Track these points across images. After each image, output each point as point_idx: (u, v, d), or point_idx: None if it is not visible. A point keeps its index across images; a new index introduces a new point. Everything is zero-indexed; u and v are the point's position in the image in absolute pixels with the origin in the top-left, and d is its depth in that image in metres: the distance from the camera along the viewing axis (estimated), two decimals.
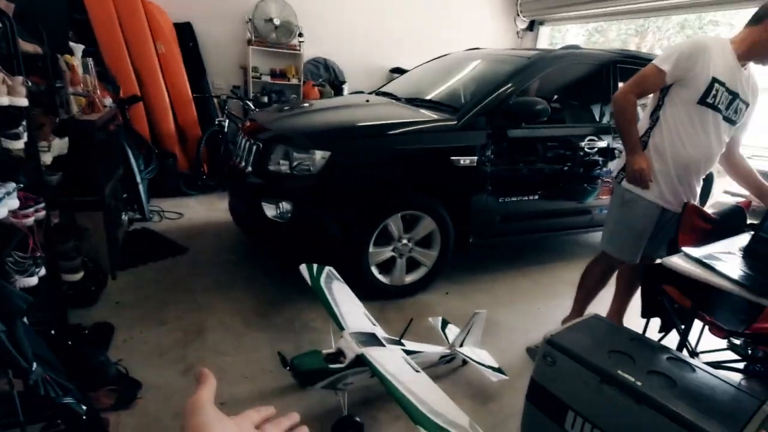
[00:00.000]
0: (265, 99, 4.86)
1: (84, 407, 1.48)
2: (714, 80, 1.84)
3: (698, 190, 2.08)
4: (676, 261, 1.66)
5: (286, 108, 3.14)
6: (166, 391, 1.80)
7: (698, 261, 1.64)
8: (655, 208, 2.06)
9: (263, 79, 5.03)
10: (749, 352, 2.22)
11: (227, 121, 4.38)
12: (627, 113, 1.95)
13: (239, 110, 4.78)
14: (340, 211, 2.41)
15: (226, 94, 4.68)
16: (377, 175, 2.44)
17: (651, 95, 2.03)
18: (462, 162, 2.56)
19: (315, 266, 2.08)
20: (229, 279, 2.74)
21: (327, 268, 2.11)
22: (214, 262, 2.96)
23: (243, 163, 2.65)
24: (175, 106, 4.27)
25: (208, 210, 4.01)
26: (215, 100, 4.65)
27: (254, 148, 2.56)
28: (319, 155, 2.33)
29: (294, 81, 5.11)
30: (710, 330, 2.05)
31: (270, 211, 2.41)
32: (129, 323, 2.21)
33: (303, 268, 2.04)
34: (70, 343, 1.83)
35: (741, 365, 2.26)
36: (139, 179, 3.45)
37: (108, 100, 2.97)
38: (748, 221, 2.21)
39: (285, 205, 2.38)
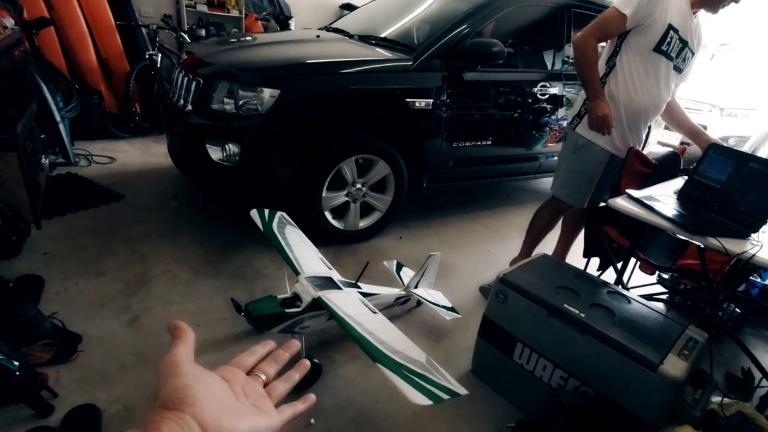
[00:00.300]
0: (203, 32, 4.46)
1: (16, 363, 1.38)
2: (670, 27, 1.88)
3: (644, 137, 2.17)
4: (620, 202, 1.75)
5: (228, 41, 2.89)
6: (110, 343, 1.73)
7: (639, 202, 1.74)
8: (605, 154, 2.14)
9: (199, 8, 4.59)
10: (675, 285, 2.45)
11: (159, 55, 3.98)
12: (588, 57, 1.95)
13: (173, 44, 4.35)
14: (291, 155, 2.32)
15: (156, 24, 4.22)
16: (330, 117, 2.35)
17: (607, 42, 2.05)
18: (417, 105, 2.51)
19: (266, 211, 1.99)
20: (172, 227, 2.62)
21: (279, 213, 2.04)
22: (154, 209, 2.80)
23: (182, 102, 2.45)
24: (95, 34, 3.82)
25: (143, 154, 3.74)
26: (143, 31, 4.19)
27: (194, 84, 2.36)
28: (268, 93, 2.19)
29: (234, 13, 4.70)
30: (640, 267, 2.24)
31: (215, 153, 2.27)
32: (61, 275, 2.07)
33: (254, 213, 1.95)
34: None
35: (666, 298, 2.50)
36: (58, 118, 3.11)
37: (9, 21, 2.59)
38: (682, 166, 2.36)
39: (231, 148, 2.25)
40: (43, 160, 2.85)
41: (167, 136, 2.95)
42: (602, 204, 2.34)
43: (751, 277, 2.32)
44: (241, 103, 2.21)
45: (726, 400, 1.47)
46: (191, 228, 2.62)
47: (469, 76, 2.65)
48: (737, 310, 2.36)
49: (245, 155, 2.24)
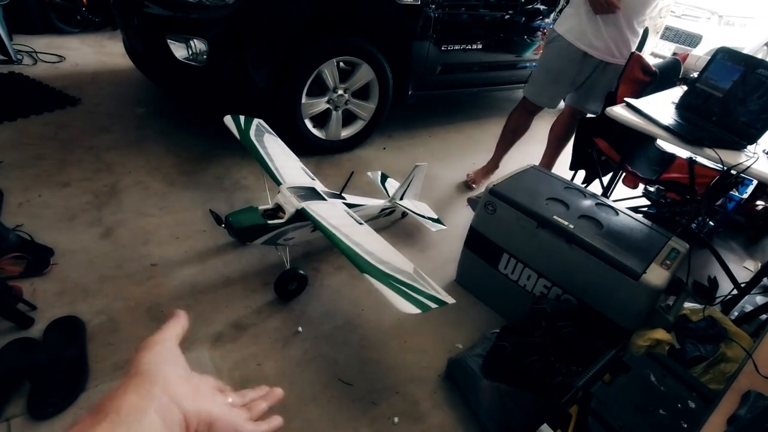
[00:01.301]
0: None
1: None
2: None
3: (633, 41, 2.04)
4: (618, 111, 1.71)
5: None
6: (85, 255, 1.68)
7: (638, 110, 1.69)
8: (574, 50, 2.06)
9: None
10: (660, 198, 2.50)
11: None
12: None
13: None
14: (266, 54, 2.14)
15: None
16: (308, 12, 2.14)
17: None
18: (404, 0, 2.30)
19: (242, 118, 1.91)
20: (140, 135, 2.46)
21: (256, 121, 1.96)
22: (117, 115, 2.61)
23: None
24: None
25: (97, 52, 3.41)
26: None
27: None
28: None
29: None
30: (624, 181, 2.26)
31: (179, 51, 2.07)
32: (21, 185, 1.95)
33: (228, 120, 1.86)
34: None
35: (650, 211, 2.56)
36: None
37: None
38: (681, 75, 2.29)
39: (198, 44, 2.04)
40: None
41: (122, 30, 2.68)
42: (590, 114, 2.29)
43: (729, 192, 2.38)
44: None
45: (697, 306, 1.57)
46: (161, 137, 2.47)
47: None
48: (711, 222, 2.45)
49: (214, 54, 2.06)
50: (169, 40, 2.05)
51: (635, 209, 2.31)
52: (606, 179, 2.16)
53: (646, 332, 1.39)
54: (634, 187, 2.35)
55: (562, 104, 2.54)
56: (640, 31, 2.04)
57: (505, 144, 2.50)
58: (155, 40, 2.09)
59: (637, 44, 2.07)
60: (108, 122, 2.52)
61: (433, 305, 1.23)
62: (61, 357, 1.30)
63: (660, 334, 1.37)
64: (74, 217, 1.84)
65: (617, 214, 1.63)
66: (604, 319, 1.44)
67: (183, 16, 2.04)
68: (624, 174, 2.17)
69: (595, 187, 2.14)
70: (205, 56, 2.06)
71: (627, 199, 2.43)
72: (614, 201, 2.15)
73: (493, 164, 2.63)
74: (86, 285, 1.57)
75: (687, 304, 1.57)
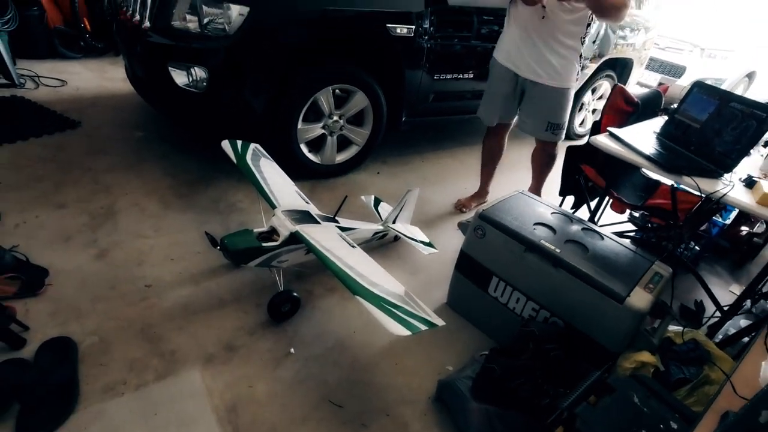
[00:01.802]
0: None
1: None
2: None
3: (560, 64, 2.05)
4: (601, 140, 1.77)
5: None
6: (79, 276, 1.69)
7: (620, 140, 1.76)
8: (504, 69, 2.19)
9: None
10: (645, 223, 2.56)
11: None
12: None
13: None
14: (263, 82, 2.21)
15: None
16: (305, 41, 2.21)
17: None
18: (398, 31, 2.38)
19: (239, 143, 1.95)
20: (137, 157, 2.51)
21: (253, 145, 1.99)
22: (116, 138, 2.66)
23: (137, 18, 2.24)
24: None
25: (98, 77, 3.48)
26: None
27: None
28: (236, 11, 2.02)
29: None
30: (612, 206, 2.31)
31: (180, 78, 2.13)
32: (18, 207, 1.97)
33: (225, 144, 1.90)
34: None
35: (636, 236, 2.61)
36: None
37: None
38: (662, 106, 2.38)
39: (198, 72, 2.10)
40: None
41: (124, 57, 2.74)
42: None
43: (713, 217, 2.44)
44: (206, 21, 2.05)
45: (681, 328, 1.59)
46: (159, 159, 2.51)
47: (454, 1, 2.51)
48: (696, 247, 2.50)
49: (214, 81, 2.11)
50: (170, 68, 2.11)
51: (622, 234, 2.37)
52: (594, 204, 2.20)
53: (632, 355, 1.41)
54: (622, 212, 2.40)
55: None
56: (571, 55, 2.04)
57: (486, 168, 2.60)
58: (157, 67, 2.15)
59: (571, 69, 2.08)
60: (107, 145, 2.56)
61: (424, 327, 1.24)
62: (52, 378, 1.30)
63: (645, 356, 1.39)
64: (70, 238, 1.86)
65: (603, 238, 1.66)
66: (590, 341, 1.46)
67: (185, 46, 2.10)
68: (611, 200, 2.21)
69: (584, 213, 2.19)
70: (204, 83, 2.11)
71: (614, 224, 2.48)
72: (601, 226, 2.19)
73: (482, 190, 2.68)
74: (79, 305, 1.57)
75: (671, 327, 1.60)
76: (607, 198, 2.17)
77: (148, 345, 1.47)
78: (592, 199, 2.22)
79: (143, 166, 2.44)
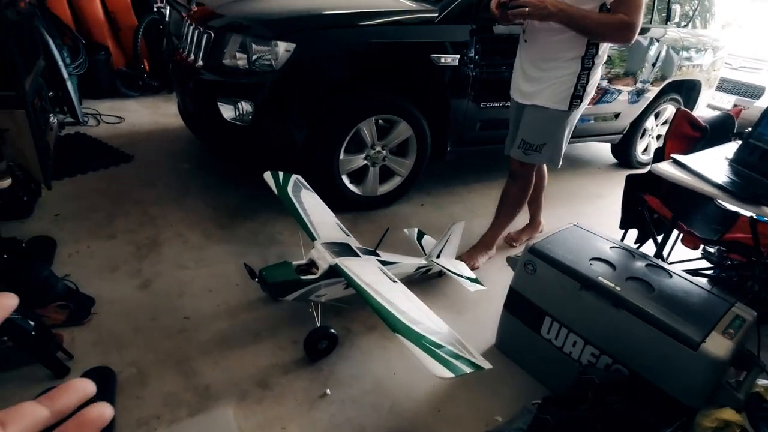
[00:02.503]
0: None
1: (32, 323, 1.42)
2: None
3: (541, 84, 1.93)
4: (664, 168, 1.68)
5: None
6: (122, 305, 1.76)
7: (686, 167, 1.67)
8: (512, 99, 2.15)
9: None
10: (721, 260, 2.36)
11: (168, 7, 3.92)
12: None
13: None
14: (306, 114, 2.29)
15: None
16: (349, 73, 2.29)
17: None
18: (443, 61, 2.42)
19: (281, 174, 2.00)
20: (183, 189, 2.63)
21: (294, 176, 2.04)
22: (164, 170, 2.82)
23: (192, 57, 2.41)
24: None
25: (153, 113, 3.75)
26: None
27: (204, 38, 2.32)
28: (283, 47, 2.13)
29: None
30: (683, 241, 2.16)
31: (227, 112, 2.24)
32: (73, 237, 2.11)
33: (267, 176, 1.96)
34: (5, 256, 1.72)
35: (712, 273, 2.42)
36: (66, 75, 3.12)
37: None
38: (736, 130, 2.24)
39: (244, 106, 2.22)
40: (52, 119, 2.88)
41: (177, 94, 2.94)
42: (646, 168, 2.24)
43: None
44: (254, 58, 2.17)
45: None
46: (202, 191, 2.63)
47: (500, 29, 2.53)
48: None
49: (258, 114, 2.21)
50: (219, 103, 2.23)
51: (696, 272, 2.20)
52: (661, 239, 2.07)
53: (713, 412, 1.28)
54: (695, 247, 2.23)
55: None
56: (562, 77, 1.90)
57: (530, 200, 2.45)
58: (207, 102, 2.28)
59: (561, 91, 1.91)
60: (156, 177, 2.72)
61: (469, 370, 1.20)
62: None
63: (728, 414, 1.26)
64: (117, 268, 1.96)
65: (671, 276, 1.56)
66: (660, 393, 1.34)
67: (234, 81, 2.23)
68: (681, 233, 2.08)
69: (650, 249, 2.07)
70: (250, 117, 2.22)
71: (686, 261, 2.31)
72: (670, 263, 2.09)
73: (533, 221, 2.59)
74: (121, 335, 1.63)
75: (760, 381, 1.44)
76: (676, 232, 2.05)
77: (184, 379, 1.50)
78: (658, 233, 2.10)
79: (188, 198, 2.55)
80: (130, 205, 2.42)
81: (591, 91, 1.96)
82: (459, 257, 2.22)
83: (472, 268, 2.19)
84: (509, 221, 2.35)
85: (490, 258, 2.35)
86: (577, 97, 1.92)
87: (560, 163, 2.14)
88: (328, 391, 1.52)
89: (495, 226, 2.35)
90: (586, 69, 1.88)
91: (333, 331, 1.64)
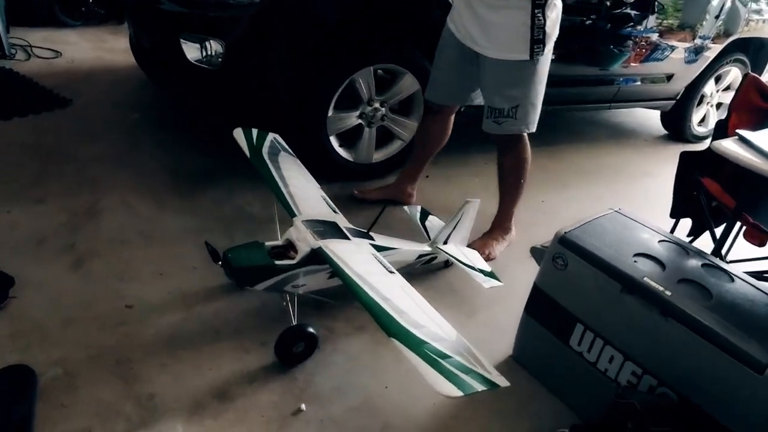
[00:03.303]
0: None
1: None
2: None
3: (494, 26, 1.91)
4: (727, 146, 1.68)
5: None
6: (50, 289, 1.73)
7: (754, 146, 1.66)
8: (450, 34, 2.08)
9: None
10: None
11: None
12: None
13: None
14: (290, 59, 2.26)
15: None
16: (343, 11, 2.25)
17: None
18: None
19: (255, 132, 1.98)
20: (132, 145, 2.60)
21: (271, 135, 2.02)
22: (110, 121, 2.78)
23: None
24: None
25: (97, 48, 3.70)
26: None
27: None
28: None
29: None
30: (746, 236, 2.16)
31: (192, 52, 2.23)
32: None
33: (238, 133, 1.94)
34: None
35: None
36: None
37: None
38: None
39: (213, 45, 2.18)
40: None
41: (129, 26, 2.91)
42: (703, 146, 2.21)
43: None
44: None
45: None
46: (156, 149, 2.59)
47: None
48: None
49: (230, 56, 2.19)
50: (182, 40, 2.20)
51: (761, 275, 2.19)
52: (720, 231, 2.05)
53: None
54: (761, 244, 2.22)
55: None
56: (515, 15, 1.88)
57: (415, 158, 2.50)
58: (167, 38, 2.27)
59: (518, 34, 1.91)
60: (99, 129, 2.69)
61: (482, 387, 1.18)
62: (4, 417, 1.28)
63: None
64: (44, 241, 1.93)
65: (732, 280, 1.54)
66: (715, 424, 1.32)
67: (201, 14, 2.20)
68: (744, 226, 2.06)
69: (705, 243, 2.06)
70: (219, 59, 2.20)
71: (750, 261, 2.30)
72: (730, 262, 2.07)
73: (403, 180, 2.54)
74: (46, 326, 1.60)
75: None
76: (738, 224, 2.04)
77: (122, 385, 1.47)
78: (717, 225, 2.07)
79: (137, 156, 2.51)
80: (65, 162, 2.37)
81: (553, 33, 1.98)
82: (471, 244, 2.21)
83: (487, 259, 2.17)
84: (517, 195, 2.33)
85: (509, 245, 2.33)
86: (537, 42, 1.92)
87: (535, 126, 2.14)
88: (303, 407, 1.49)
89: (504, 204, 2.34)
90: (539, 5, 1.88)
91: (312, 330, 1.62)
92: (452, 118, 2.39)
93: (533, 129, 2.12)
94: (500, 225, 2.34)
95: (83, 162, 2.38)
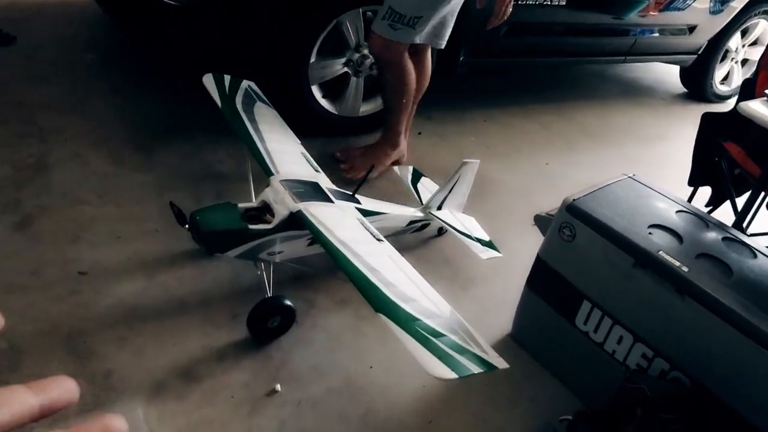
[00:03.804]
0: None
1: None
2: None
3: None
4: (754, 107, 1.74)
5: None
6: None
7: None
8: None
9: None
10: None
11: None
12: None
13: None
14: None
15: None
16: None
17: None
18: None
19: (227, 78, 1.95)
20: (85, 90, 2.55)
21: (245, 83, 2.00)
22: (61, 62, 2.71)
23: None
24: None
25: None
26: None
27: None
28: None
29: None
30: None
31: None
32: None
33: (208, 79, 1.91)
34: None
35: None
36: None
37: None
38: None
39: None
40: None
41: None
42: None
43: None
44: None
45: None
46: (114, 96, 2.56)
47: None
48: None
49: None
50: None
51: None
52: (742, 202, 2.07)
53: None
54: None
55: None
56: None
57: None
58: None
59: None
60: (48, 71, 2.61)
61: (478, 369, 1.18)
62: None
63: None
64: None
65: (755, 255, 1.55)
66: (733, 414, 1.33)
67: None
68: None
69: (726, 213, 2.08)
70: None
71: None
72: (752, 235, 2.09)
73: (384, 138, 2.46)
74: None
75: None
76: (762, 194, 2.03)
77: (75, 360, 1.45)
78: (739, 194, 2.10)
79: (92, 103, 2.47)
80: (9, 108, 2.33)
81: None
82: (348, 150, 2.29)
83: (370, 171, 2.11)
84: (404, 108, 2.34)
85: (400, 163, 2.35)
86: None
87: (444, 42, 2.16)
88: (279, 388, 1.49)
89: (390, 122, 2.37)
90: None
91: (289, 303, 1.61)
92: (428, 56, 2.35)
93: (440, 45, 2.20)
94: (389, 139, 2.37)
95: (30, 108, 2.34)
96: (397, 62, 2.14)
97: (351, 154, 2.40)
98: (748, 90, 2.14)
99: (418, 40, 2.08)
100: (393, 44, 2.05)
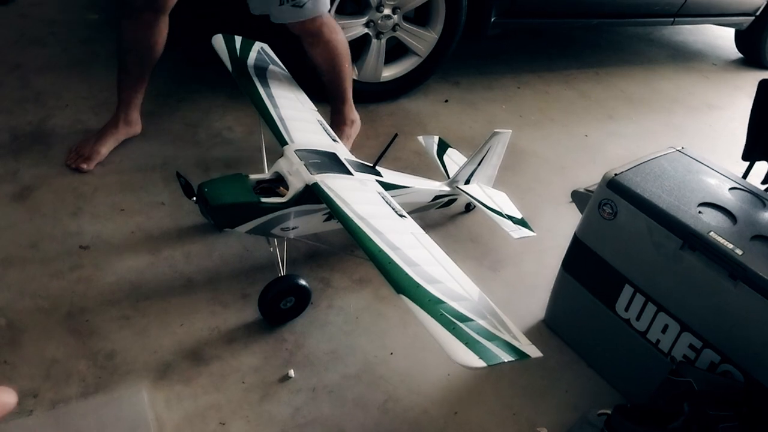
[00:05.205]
0: None
1: None
2: None
3: None
4: None
5: None
6: None
7: None
8: None
9: None
10: None
11: None
12: None
13: None
14: None
15: None
16: None
17: None
18: None
19: (238, 39, 1.97)
20: (87, 53, 2.57)
21: (258, 45, 2.01)
22: (61, 21, 2.74)
23: None
24: None
25: None
26: None
27: None
28: None
29: None
30: None
31: None
32: None
33: (218, 40, 1.93)
34: None
35: None
36: None
37: None
38: None
39: None
40: None
41: None
42: None
43: None
44: None
45: None
46: (116, 58, 2.48)
47: None
48: None
49: None
50: None
51: None
52: None
53: None
54: None
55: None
56: None
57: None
58: None
59: None
60: (46, 31, 2.69)
61: (509, 358, 1.16)
62: None
63: None
64: None
65: None
66: None
67: None
68: None
69: None
70: None
71: None
72: None
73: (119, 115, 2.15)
74: None
75: None
76: None
77: (75, 340, 1.46)
78: None
79: (93, 66, 2.47)
80: (6, 71, 2.35)
81: None
82: None
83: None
84: (348, 84, 2.27)
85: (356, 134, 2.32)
86: None
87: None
88: (292, 373, 1.50)
89: (336, 102, 2.29)
90: None
91: (304, 283, 1.61)
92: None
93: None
94: (342, 121, 2.29)
95: (28, 71, 2.36)
96: (319, 36, 2.04)
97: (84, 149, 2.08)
98: None
99: (316, 11, 1.97)
100: (318, 19, 1.97)
